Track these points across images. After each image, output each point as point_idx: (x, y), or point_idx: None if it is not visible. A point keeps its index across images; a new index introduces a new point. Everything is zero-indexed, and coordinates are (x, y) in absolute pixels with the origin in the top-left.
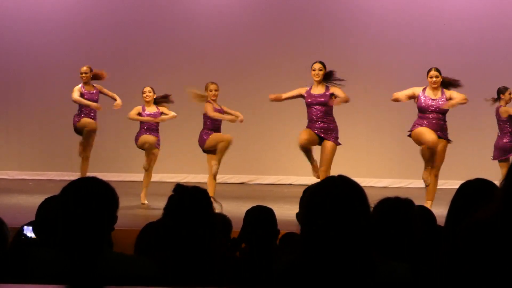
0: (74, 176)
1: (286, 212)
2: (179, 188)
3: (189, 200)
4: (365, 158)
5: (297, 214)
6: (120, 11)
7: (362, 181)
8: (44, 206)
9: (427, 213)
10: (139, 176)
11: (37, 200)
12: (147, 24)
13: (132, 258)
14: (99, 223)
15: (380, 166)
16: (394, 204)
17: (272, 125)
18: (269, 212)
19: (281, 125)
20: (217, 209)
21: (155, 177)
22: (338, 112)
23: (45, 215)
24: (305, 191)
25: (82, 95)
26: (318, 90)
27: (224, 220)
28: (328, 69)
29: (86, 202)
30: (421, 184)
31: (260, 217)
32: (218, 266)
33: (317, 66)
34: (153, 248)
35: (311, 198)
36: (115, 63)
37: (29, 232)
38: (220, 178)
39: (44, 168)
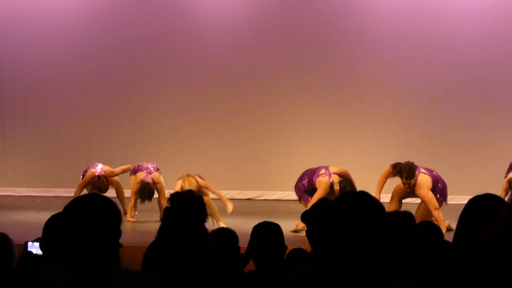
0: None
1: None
2: (174, 197)
3: (185, 202)
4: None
5: (307, 232)
6: (127, 27)
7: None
8: (51, 223)
9: (433, 228)
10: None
11: (44, 216)
12: (154, 40)
13: (138, 274)
14: (103, 238)
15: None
16: (393, 217)
17: (278, 141)
18: (276, 228)
19: (287, 141)
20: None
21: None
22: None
23: (52, 232)
24: (313, 207)
25: None
26: None
27: (230, 235)
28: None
29: (89, 219)
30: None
31: (267, 233)
32: (226, 282)
33: None
34: (158, 263)
35: (329, 212)
36: (120, 79)
37: (34, 248)
38: (227, 194)
39: (52, 184)
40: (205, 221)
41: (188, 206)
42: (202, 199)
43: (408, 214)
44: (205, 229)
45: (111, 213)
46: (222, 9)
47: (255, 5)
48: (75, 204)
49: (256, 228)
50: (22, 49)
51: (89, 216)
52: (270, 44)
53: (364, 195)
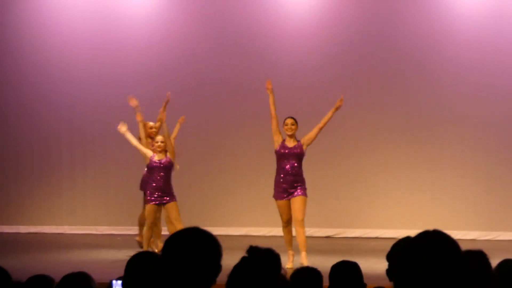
0: (162, 231)
1: (373, 266)
2: (252, 250)
3: (259, 263)
4: (454, 208)
5: (387, 271)
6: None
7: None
8: (134, 261)
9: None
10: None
11: (125, 255)
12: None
13: None
14: (203, 273)
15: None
16: (468, 256)
17: (357, 178)
18: (355, 267)
19: (366, 178)
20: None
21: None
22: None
23: (135, 269)
24: (394, 246)
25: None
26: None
27: (314, 275)
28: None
29: (190, 252)
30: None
31: (346, 272)
32: None
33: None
34: None
35: (407, 251)
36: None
37: (118, 286)
38: (306, 231)
39: (132, 223)
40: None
41: (265, 261)
42: (279, 258)
43: (481, 253)
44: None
45: (212, 247)
46: (301, 44)
47: (336, 41)
48: (175, 238)
49: (335, 267)
50: (103, 78)
51: (190, 250)
52: (349, 80)
53: (440, 234)
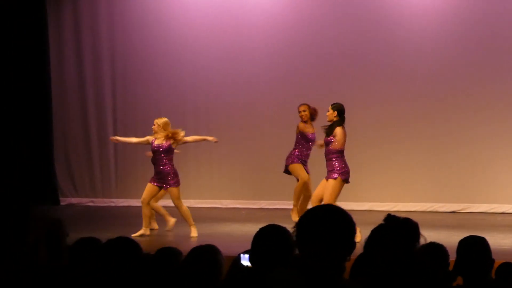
0: (286, 205)
1: (500, 242)
2: (390, 218)
3: (398, 232)
4: None
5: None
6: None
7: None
8: (260, 236)
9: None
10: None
11: (250, 229)
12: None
13: None
14: (339, 249)
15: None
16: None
17: (483, 151)
18: (483, 242)
19: (491, 151)
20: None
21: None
22: None
23: (261, 244)
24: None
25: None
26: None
27: (440, 250)
28: None
29: (326, 228)
30: None
31: (474, 247)
32: None
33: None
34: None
35: None
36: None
37: (244, 260)
38: (430, 207)
39: (256, 197)
40: (415, 246)
41: (403, 230)
42: (418, 227)
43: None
44: (413, 252)
45: (347, 224)
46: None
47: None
48: (311, 214)
49: (462, 242)
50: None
51: (326, 226)
52: (468, 55)
53: None
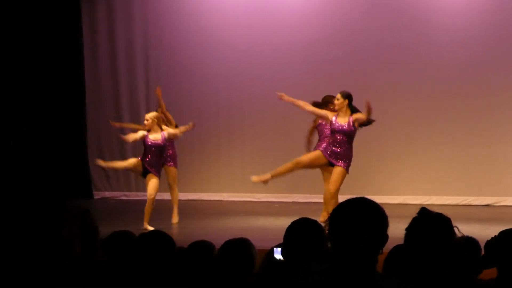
0: (318, 198)
1: None
2: (424, 212)
3: (431, 226)
4: None
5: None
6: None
7: None
8: (292, 229)
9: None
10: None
11: (283, 222)
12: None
13: (395, 283)
14: (372, 242)
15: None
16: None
17: None
18: None
19: None
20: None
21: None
22: None
23: (295, 238)
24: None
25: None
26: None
27: (472, 243)
28: None
29: (359, 221)
30: None
31: (507, 241)
32: None
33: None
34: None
35: None
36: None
37: (277, 254)
38: (464, 200)
39: (290, 190)
40: (452, 239)
41: (437, 224)
42: (450, 220)
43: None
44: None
45: (380, 217)
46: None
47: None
48: (345, 206)
49: (504, 235)
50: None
51: (359, 219)
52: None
53: None
